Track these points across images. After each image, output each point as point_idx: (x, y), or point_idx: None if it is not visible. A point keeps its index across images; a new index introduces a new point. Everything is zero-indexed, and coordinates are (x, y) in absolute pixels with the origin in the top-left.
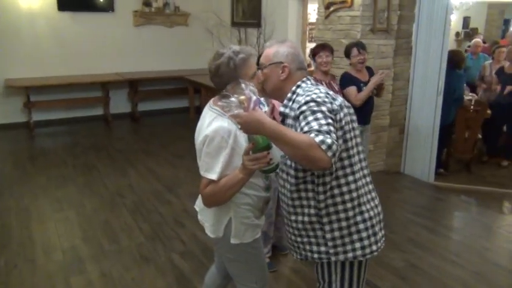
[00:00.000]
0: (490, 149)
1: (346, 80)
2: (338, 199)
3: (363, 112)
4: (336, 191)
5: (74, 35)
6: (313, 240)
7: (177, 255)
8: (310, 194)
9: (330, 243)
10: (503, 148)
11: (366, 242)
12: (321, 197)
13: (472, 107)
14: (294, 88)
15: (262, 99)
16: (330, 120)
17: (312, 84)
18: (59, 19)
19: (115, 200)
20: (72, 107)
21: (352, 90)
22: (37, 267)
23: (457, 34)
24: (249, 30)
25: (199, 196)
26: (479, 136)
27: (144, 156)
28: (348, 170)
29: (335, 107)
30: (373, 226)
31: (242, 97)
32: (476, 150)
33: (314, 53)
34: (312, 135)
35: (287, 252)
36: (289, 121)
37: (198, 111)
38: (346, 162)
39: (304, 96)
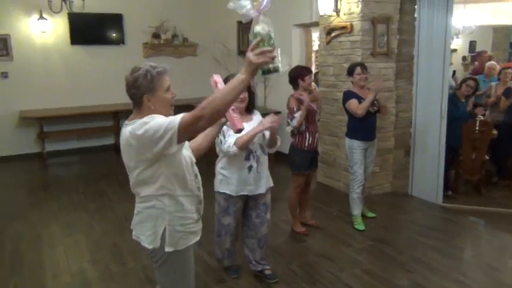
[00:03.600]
0: (500, 170)
1: (348, 95)
2: None
3: (367, 128)
4: None
5: (86, 67)
6: None
7: None
8: None
9: None
10: None
11: None
12: None
13: (477, 128)
14: None
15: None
16: None
17: None
18: (71, 53)
19: (123, 224)
20: (84, 136)
21: (353, 101)
22: None
23: (464, 58)
24: None
25: (134, 216)
26: (487, 157)
27: None
28: None
29: None
30: None
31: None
32: (484, 171)
33: (302, 74)
34: None
35: (277, 280)
36: None
37: None
38: None
39: None
